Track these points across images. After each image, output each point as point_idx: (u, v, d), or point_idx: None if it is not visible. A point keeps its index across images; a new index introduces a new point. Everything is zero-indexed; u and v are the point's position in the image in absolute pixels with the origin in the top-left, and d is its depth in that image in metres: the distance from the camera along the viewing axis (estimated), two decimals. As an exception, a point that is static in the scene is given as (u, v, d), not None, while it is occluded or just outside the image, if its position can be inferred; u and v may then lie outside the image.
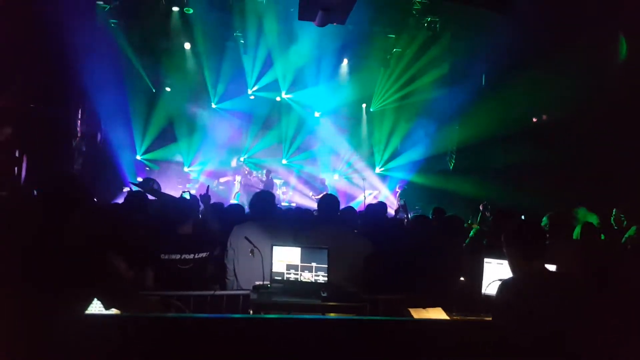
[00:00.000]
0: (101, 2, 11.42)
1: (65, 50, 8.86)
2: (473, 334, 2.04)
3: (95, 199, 4.85)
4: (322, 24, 5.11)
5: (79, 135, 10.84)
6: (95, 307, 2.64)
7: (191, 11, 11.84)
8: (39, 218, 2.41)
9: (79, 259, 2.34)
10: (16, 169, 8.79)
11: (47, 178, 2.50)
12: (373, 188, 14.61)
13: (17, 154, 8.75)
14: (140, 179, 13.25)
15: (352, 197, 14.52)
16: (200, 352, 1.79)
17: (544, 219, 4.73)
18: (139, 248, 3.75)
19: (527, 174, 9.19)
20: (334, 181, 15.29)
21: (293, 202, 13.91)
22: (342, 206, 4.90)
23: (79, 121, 11.03)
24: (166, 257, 3.71)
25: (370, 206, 5.91)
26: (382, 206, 5.84)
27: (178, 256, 3.74)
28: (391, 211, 8.70)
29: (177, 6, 11.77)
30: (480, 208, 6.98)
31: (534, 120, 9.64)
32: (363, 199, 13.25)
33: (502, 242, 2.83)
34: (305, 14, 4.94)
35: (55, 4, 8.05)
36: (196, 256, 3.79)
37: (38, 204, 2.52)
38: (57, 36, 8.54)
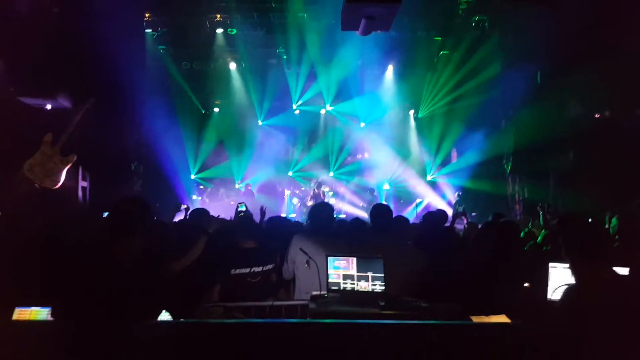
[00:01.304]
0: (150, 30, 11.96)
1: (120, 77, 9.36)
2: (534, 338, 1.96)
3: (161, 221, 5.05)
4: (365, 33, 5.06)
5: (136, 158, 11.36)
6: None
7: (235, 32, 12.17)
8: (108, 239, 2.52)
9: (147, 279, 2.43)
10: (81, 193, 9.31)
11: (115, 201, 2.62)
12: (425, 196, 14.32)
13: (81, 179, 9.28)
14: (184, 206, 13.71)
15: (403, 206, 14.31)
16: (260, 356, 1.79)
17: (614, 220, 4.46)
18: (207, 264, 3.85)
19: (591, 175, 8.64)
20: (384, 190, 15.13)
21: (342, 214, 13.87)
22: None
23: (136, 145, 11.57)
24: (236, 271, 3.81)
25: (429, 214, 5.75)
26: (441, 214, 5.69)
27: (247, 270, 3.83)
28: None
29: (221, 28, 12.13)
30: (539, 210, 6.61)
31: (597, 116, 9.07)
32: (415, 207, 13.02)
33: (562, 246, 2.68)
34: (349, 24, 4.92)
35: (107, 35, 8.51)
36: (264, 268, 3.88)
37: (106, 225, 2.64)
38: (111, 66, 9.04)
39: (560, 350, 1.99)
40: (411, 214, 12.89)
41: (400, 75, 14.23)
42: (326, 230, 4.24)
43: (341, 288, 3.61)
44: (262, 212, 6.23)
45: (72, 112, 6.88)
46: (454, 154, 14.45)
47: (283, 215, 13.26)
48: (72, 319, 2.29)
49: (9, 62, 8.13)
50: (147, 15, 11.64)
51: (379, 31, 5.38)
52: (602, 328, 2.30)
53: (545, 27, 8.90)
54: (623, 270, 3.09)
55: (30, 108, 9.20)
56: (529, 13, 9.30)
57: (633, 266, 3.17)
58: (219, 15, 11.79)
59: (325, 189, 14.51)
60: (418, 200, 13.68)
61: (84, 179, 9.41)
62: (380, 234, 4.23)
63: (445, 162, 14.68)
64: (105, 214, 2.72)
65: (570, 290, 2.56)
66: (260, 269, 3.86)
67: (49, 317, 2.91)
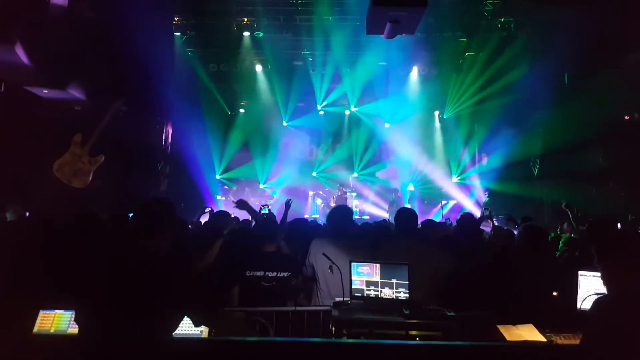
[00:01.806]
0: (178, 34, 12.18)
1: (149, 79, 9.54)
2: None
3: (182, 221, 5.12)
4: (390, 37, 5.02)
5: (163, 158, 11.56)
6: (186, 324, 2.77)
7: (261, 34, 12.32)
8: (132, 240, 2.55)
9: (170, 281, 2.45)
10: (108, 192, 9.50)
11: (141, 202, 2.64)
12: (451, 197, 14.14)
13: (108, 179, 9.47)
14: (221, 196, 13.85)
15: (428, 207, 14.16)
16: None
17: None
18: (226, 266, 3.88)
19: (622, 177, 8.40)
20: (408, 192, 15.01)
21: (366, 215, 13.81)
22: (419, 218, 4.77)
23: (163, 145, 11.77)
24: (251, 274, 3.83)
25: (465, 216, 5.64)
26: (474, 219, 5.58)
27: (261, 273, 3.84)
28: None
29: (248, 31, 12.29)
30: (566, 209, 6.30)
31: (626, 118, 8.83)
32: (441, 209, 12.88)
33: (595, 254, 2.60)
34: (374, 28, 4.88)
35: (137, 38, 8.68)
36: (279, 274, 3.86)
37: (132, 227, 2.66)
38: (140, 67, 9.22)
39: None
40: (437, 215, 12.75)
41: (425, 76, 14.09)
42: (347, 233, 4.22)
43: (365, 295, 3.59)
44: (287, 205, 6.19)
45: (102, 113, 7.04)
46: (484, 157, 14.20)
47: (306, 216, 13.29)
48: (97, 321, 2.32)
49: (40, 62, 8.36)
50: (176, 18, 11.87)
51: (403, 34, 5.32)
52: (634, 342, 2.22)
53: (571, 28, 8.70)
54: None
55: (59, 108, 9.47)
56: (555, 14, 9.11)
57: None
58: (246, 19, 11.97)
59: (348, 190, 14.48)
60: (443, 202, 13.52)
61: (111, 179, 9.60)
62: (405, 238, 4.18)
63: (471, 163, 14.46)
64: (131, 215, 2.72)
65: (602, 302, 2.47)
66: (274, 274, 3.85)
67: (72, 321, 2.93)
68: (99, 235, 4.10)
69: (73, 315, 2.75)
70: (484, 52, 12.51)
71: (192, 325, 2.73)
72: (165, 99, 10.76)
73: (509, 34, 11.68)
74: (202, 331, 2.82)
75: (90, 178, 6.40)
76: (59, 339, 2.74)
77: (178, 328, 2.52)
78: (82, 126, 7.07)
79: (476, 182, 13.95)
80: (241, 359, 1.92)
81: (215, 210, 6.10)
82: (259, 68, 13.98)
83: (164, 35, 11.09)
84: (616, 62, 8.22)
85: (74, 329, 2.78)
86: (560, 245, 5.08)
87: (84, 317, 2.37)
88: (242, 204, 5.04)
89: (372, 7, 4.67)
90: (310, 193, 15.11)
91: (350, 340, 2.29)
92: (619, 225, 5.45)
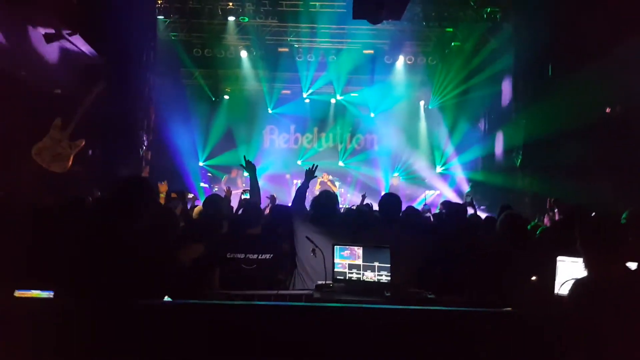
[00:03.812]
0: (162, 17, 11.95)
1: (132, 63, 9.34)
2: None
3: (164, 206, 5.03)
4: (377, 22, 5.02)
5: (145, 144, 11.37)
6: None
7: (246, 20, 12.13)
8: (111, 220, 2.51)
9: (148, 260, 2.42)
10: (88, 176, 9.32)
11: (119, 182, 2.60)
12: (434, 188, 14.24)
13: (89, 164, 9.30)
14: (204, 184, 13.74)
15: (412, 198, 14.25)
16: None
17: (624, 214, 4.40)
18: (207, 247, 3.84)
19: (602, 169, 8.52)
20: (392, 181, 15.08)
21: (347, 204, 13.83)
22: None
23: (145, 130, 11.58)
24: (231, 255, 3.80)
25: (449, 202, 5.65)
26: (463, 207, 5.61)
27: (242, 255, 3.81)
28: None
29: (233, 16, 12.08)
30: (554, 205, 6.42)
31: (608, 111, 8.93)
32: (423, 199, 12.97)
33: (578, 238, 2.65)
34: (360, 12, 4.88)
35: (120, 21, 8.48)
36: (260, 257, 3.85)
37: (110, 206, 2.62)
38: (124, 52, 9.02)
39: (562, 339, 2.00)
40: (419, 204, 12.84)
41: (411, 66, 14.06)
42: (331, 219, 4.22)
43: (347, 278, 3.60)
44: (272, 200, 6.21)
45: (83, 97, 6.87)
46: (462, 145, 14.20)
47: (289, 204, 13.25)
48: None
49: (16, 42, 8.08)
50: (159, 1, 11.62)
51: (390, 20, 5.32)
52: (612, 323, 2.28)
53: (557, 20, 8.76)
54: (633, 265, 3.05)
55: (38, 91, 9.21)
56: (541, 4, 9.17)
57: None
58: (231, 3, 11.74)
59: (332, 177, 14.45)
60: (427, 192, 13.62)
61: (91, 163, 9.42)
62: (388, 224, 4.20)
63: (455, 153, 14.56)
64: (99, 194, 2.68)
65: (581, 284, 2.53)
66: (255, 256, 3.83)
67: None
68: (81, 218, 4.03)
69: (51, 296, 2.71)
70: (469, 42, 12.51)
71: None
72: (148, 83, 10.57)
73: (495, 24, 11.69)
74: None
75: (70, 163, 6.28)
76: (41, 302, 2.66)
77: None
78: (62, 110, 6.91)
79: (459, 173, 14.05)
80: (220, 323, 1.94)
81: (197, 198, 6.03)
82: (244, 54, 13.78)
83: (147, 17, 10.84)
84: (601, 55, 8.27)
85: None
86: (537, 233, 5.15)
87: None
88: (250, 167, 4.96)
89: (358, -9, 4.66)
90: (295, 181, 15.07)
91: (331, 305, 2.31)
92: (593, 214, 5.54)
